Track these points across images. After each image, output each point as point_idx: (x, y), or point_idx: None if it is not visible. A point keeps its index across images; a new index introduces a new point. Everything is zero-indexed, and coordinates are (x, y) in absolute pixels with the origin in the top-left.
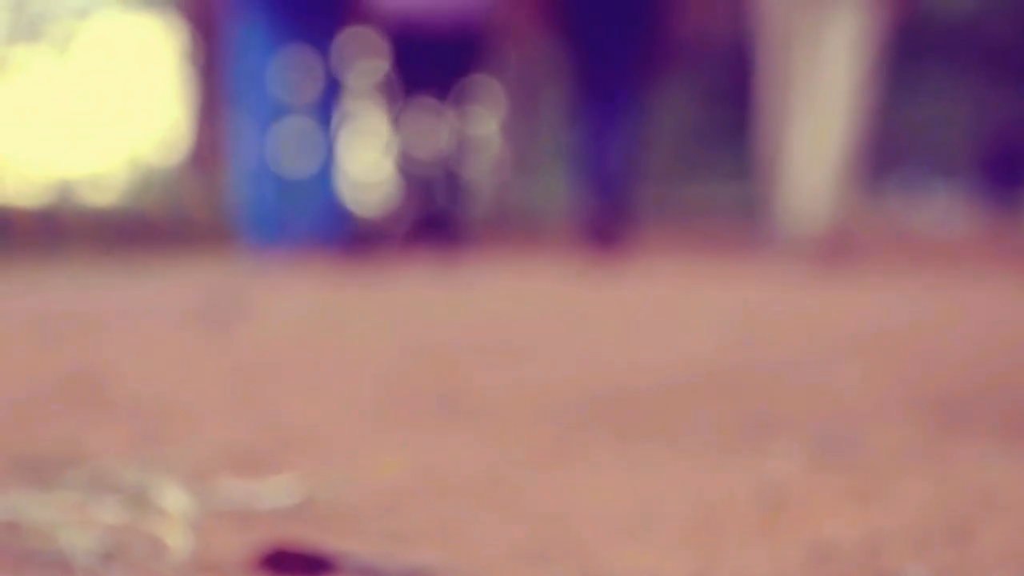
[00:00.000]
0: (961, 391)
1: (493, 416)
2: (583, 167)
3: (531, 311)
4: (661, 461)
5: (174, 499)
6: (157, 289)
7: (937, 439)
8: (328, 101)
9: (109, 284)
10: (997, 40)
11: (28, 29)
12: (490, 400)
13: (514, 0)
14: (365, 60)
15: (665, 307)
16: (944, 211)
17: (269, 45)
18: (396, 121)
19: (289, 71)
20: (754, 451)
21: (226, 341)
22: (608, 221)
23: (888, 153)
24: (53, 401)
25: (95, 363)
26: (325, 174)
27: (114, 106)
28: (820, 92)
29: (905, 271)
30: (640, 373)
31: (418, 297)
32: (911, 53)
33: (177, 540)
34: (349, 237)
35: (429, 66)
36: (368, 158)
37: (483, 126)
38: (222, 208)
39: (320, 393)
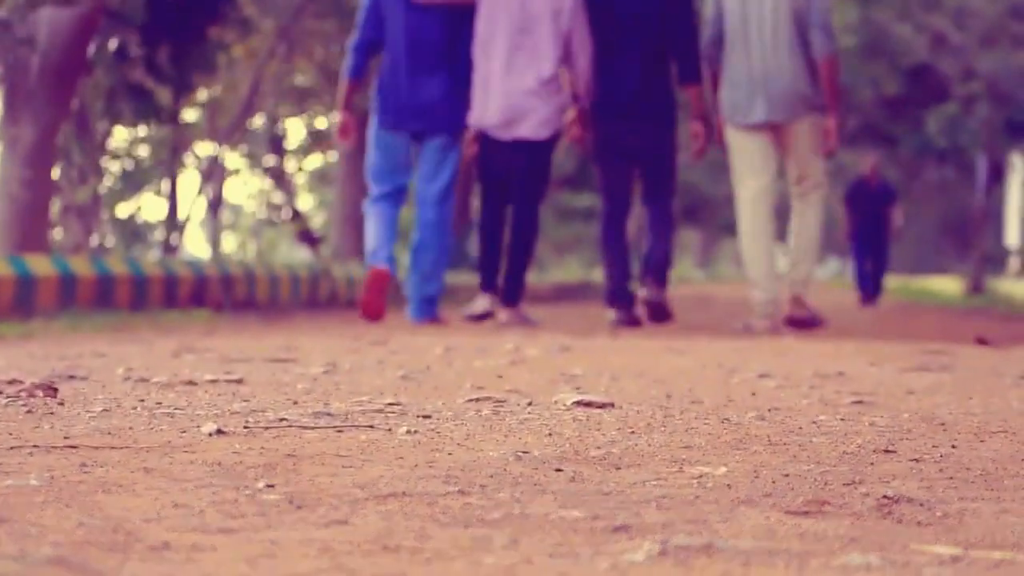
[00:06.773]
0: (824, 476)
1: (328, 505)
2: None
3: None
4: (509, 562)
5: None
6: None
7: (795, 531)
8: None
9: None
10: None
11: None
12: (326, 484)
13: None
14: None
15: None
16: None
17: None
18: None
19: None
20: (604, 549)
21: (57, 419)
22: (660, 295)
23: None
24: None
25: None
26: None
27: None
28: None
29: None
30: (490, 457)
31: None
32: None
33: None
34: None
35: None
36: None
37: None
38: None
39: (154, 482)
